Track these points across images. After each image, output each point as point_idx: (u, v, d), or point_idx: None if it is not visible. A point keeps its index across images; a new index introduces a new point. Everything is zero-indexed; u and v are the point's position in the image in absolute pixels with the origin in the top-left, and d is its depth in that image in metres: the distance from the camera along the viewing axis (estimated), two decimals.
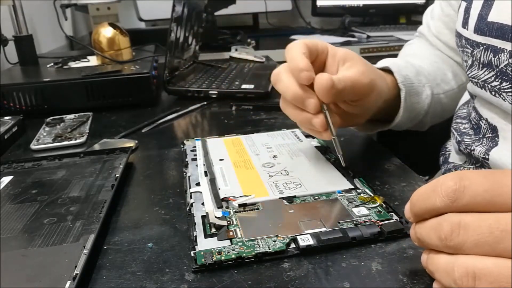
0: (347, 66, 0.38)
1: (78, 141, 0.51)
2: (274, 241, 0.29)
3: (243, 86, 0.71)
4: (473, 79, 0.42)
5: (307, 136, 0.48)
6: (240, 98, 0.68)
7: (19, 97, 0.62)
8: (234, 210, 0.33)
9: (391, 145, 0.56)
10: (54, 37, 1.11)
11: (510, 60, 0.36)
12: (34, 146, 0.51)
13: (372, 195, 0.35)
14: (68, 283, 0.25)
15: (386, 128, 0.48)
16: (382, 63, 0.48)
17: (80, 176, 0.40)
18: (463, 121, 0.48)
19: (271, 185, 0.37)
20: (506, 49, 0.37)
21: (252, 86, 0.71)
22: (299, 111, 0.37)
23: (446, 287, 0.22)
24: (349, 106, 0.39)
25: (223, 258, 0.27)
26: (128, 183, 0.41)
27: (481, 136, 0.43)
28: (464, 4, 0.43)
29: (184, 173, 0.41)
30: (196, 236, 0.30)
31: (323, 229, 0.30)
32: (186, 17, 0.76)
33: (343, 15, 1.50)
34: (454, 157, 0.51)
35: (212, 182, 0.38)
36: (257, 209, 0.33)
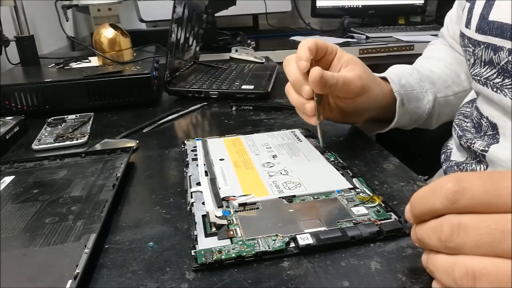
0: (347, 68, 0.44)
1: (79, 141, 0.52)
2: (274, 240, 0.29)
3: (243, 87, 0.71)
4: (476, 77, 0.43)
5: (307, 136, 0.49)
6: (240, 99, 0.68)
7: (21, 98, 0.62)
8: (234, 210, 0.33)
9: (390, 145, 0.56)
10: (56, 37, 1.11)
11: (509, 57, 0.37)
12: (35, 146, 0.51)
13: (371, 194, 0.35)
14: (69, 282, 0.25)
15: (384, 130, 0.51)
16: (387, 71, 0.52)
17: (82, 176, 0.41)
18: (466, 120, 0.49)
19: (271, 185, 0.37)
20: (506, 47, 0.38)
21: (252, 87, 0.71)
22: (297, 95, 0.43)
23: (446, 287, 0.22)
24: (341, 102, 0.45)
25: (223, 257, 0.28)
26: (129, 183, 0.41)
27: (482, 133, 0.44)
28: (468, 5, 0.44)
29: (185, 173, 0.41)
30: (196, 235, 0.30)
31: (323, 229, 0.30)
32: (187, 18, 0.76)
33: (342, 16, 1.50)
34: (456, 155, 0.51)
35: (213, 181, 0.38)
36: (257, 208, 0.34)
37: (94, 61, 0.79)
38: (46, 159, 0.45)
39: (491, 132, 0.42)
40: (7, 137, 0.51)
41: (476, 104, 0.45)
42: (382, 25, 1.58)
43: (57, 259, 0.28)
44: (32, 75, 0.72)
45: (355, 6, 1.59)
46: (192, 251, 0.28)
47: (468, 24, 0.43)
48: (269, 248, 0.28)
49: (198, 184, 0.38)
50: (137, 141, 0.51)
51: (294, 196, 0.35)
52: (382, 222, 0.31)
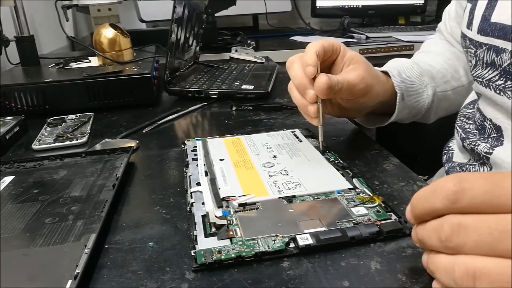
0: (350, 68, 0.44)
1: (79, 141, 0.52)
2: (274, 241, 0.29)
3: (243, 87, 0.71)
4: (478, 79, 0.43)
5: (307, 136, 0.49)
6: (240, 99, 0.68)
7: (21, 98, 0.62)
8: (234, 210, 0.33)
9: (390, 145, 0.56)
10: (56, 37, 1.11)
11: (511, 59, 0.37)
12: (35, 146, 0.51)
13: (371, 194, 0.35)
14: (69, 282, 0.25)
15: (384, 124, 0.51)
16: (387, 65, 0.52)
17: (81, 176, 0.41)
18: (468, 121, 0.49)
19: (270, 185, 0.37)
20: (508, 49, 0.37)
21: (252, 87, 0.71)
22: (300, 97, 0.43)
23: (446, 287, 0.22)
24: (344, 102, 0.45)
25: (223, 257, 0.28)
26: (129, 183, 0.41)
27: (486, 136, 0.44)
28: (469, 5, 0.44)
29: (185, 173, 0.41)
30: (196, 235, 0.30)
31: (322, 229, 0.30)
32: (187, 18, 0.76)
33: (342, 16, 1.50)
34: (458, 156, 0.51)
35: (213, 181, 0.38)
36: (257, 208, 0.34)
37: (94, 61, 0.79)
38: (46, 159, 0.45)
39: (495, 135, 0.42)
40: (7, 137, 0.51)
41: (478, 105, 0.45)
42: (382, 25, 1.58)
43: (57, 259, 0.28)
44: (32, 75, 0.72)
45: (355, 6, 1.59)
46: (192, 251, 0.28)
47: (469, 25, 0.43)
48: (268, 249, 0.28)
49: (198, 184, 0.38)
50: (137, 141, 0.51)
51: (294, 196, 0.35)
52: (382, 222, 0.31)
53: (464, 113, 0.51)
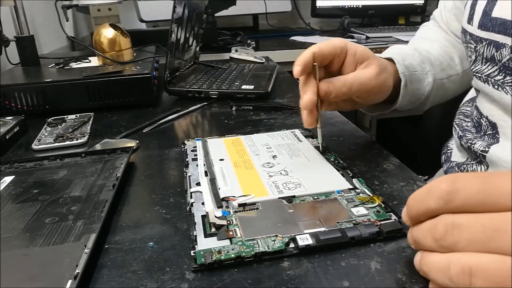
0: (363, 65, 0.43)
1: (79, 141, 0.52)
2: (274, 241, 0.29)
3: (243, 87, 0.71)
4: (477, 74, 0.43)
5: (307, 136, 0.49)
6: (240, 99, 0.68)
7: (21, 98, 0.62)
8: (234, 210, 0.33)
9: (390, 145, 0.56)
10: (56, 38, 1.11)
11: (511, 54, 0.37)
12: (35, 146, 0.51)
13: (371, 195, 0.35)
14: (69, 282, 0.25)
15: (387, 111, 0.51)
16: (389, 51, 0.52)
17: (81, 176, 0.41)
18: (466, 119, 0.49)
19: (270, 185, 0.37)
20: (508, 44, 0.37)
21: (252, 87, 0.71)
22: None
23: (442, 287, 0.22)
24: (358, 98, 0.45)
25: (222, 257, 0.28)
26: (129, 183, 0.41)
27: (482, 133, 0.44)
28: (470, 0, 0.44)
29: (185, 173, 0.41)
30: (196, 235, 0.30)
31: (322, 229, 0.30)
32: (187, 18, 0.76)
33: (342, 16, 1.50)
34: (456, 155, 0.51)
35: (212, 182, 0.38)
36: (257, 209, 0.34)
37: (94, 61, 0.79)
38: (46, 159, 0.45)
39: (490, 132, 0.42)
40: (7, 137, 0.51)
41: (476, 103, 0.45)
42: (382, 25, 1.58)
43: (57, 259, 0.28)
44: (32, 75, 0.72)
45: (355, 6, 1.59)
46: (192, 251, 0.28)
47: (470, 20, 0.43)
48: (268, 249, 0.28)
49: (198, 184, 0.38)
50: (137, 141, 0.51)
51: (294, 196, 0.35)
52: (382, 222, 0.31)
53: (463, 111, 0.51)
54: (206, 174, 0.40)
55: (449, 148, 0.55)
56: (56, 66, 0.76)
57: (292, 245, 0.29)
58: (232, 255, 0.28)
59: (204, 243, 0.29)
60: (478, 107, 0.44)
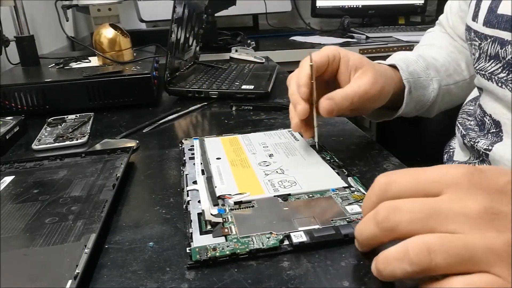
0: (358, 74, 0.42)
1: (79, 141, 0.52)
2: (268, 238, 0.29)
3: (243, 87, 0.71)
4: (481, 72, 0.43)
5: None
6: (240, 99, 0.68)
7: (21, 98, 0.62)
8: (229, 208, 0.34)
9: (390, 145, 0.56)
10: (56, 37, 1.11)
11: None
12: (35, 146, 0.51)
13: (365, 193, 0.35)
14: (69, 282, 0.25)
15: (391, 118, 0.51)
16: (393, 58, 0.52)
17: (82, 176, 0.41)
18: (469, 118, 0.49)
19: (266, 184, 0.37)
20: None
21: (252, 87, 0.71)
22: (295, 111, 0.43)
23: (400, 277, 0.22)
24: (356, 106, 0.43)
25: (217, 254, 0.28)
26: (129, 183, 0.41)
27: (485, 132, 0.44)
28: None
29: (182, 172, 0.41)
30: (191, 233, 0.30)
31: (316, 226, 0.30)
32: (187, 18, 0.76)
33: (342, 16, 1.50)
34: (459, 154, 0.51)
35: (209, 180, 0.38)
36: (252, 206, 0.34)
37: (94, 61, 0.79)
38: (46, 159, 0.45)
39: (494, 130, 0.42)
40: (7, 137, 0.51)
41: (479, 101, 0.45)
42: (382, 25, 1.58)
43: (57, 259, 0.28)
44: (32, 75, 0.72)
45: (355, 6, 1.59)
46: (187, 248, 0.29)
47: (475, 17, 0.43)
48: (263, 246, 0.29)
49: (195, 182, 0.38)
50: (137, 141, 0.51)
51: (289, 194, 0.35)
52: None
53: (466, 110, 0.51)
54: (203, 173, 0.40)
55: (451, 147, 0.55)
56: (56, 66, 0.76)
57: (286, 242, 0.29)
58: (227, 252, 0.28)
59: (200, 241, 0.30)
60: (482, 106, 0.44)
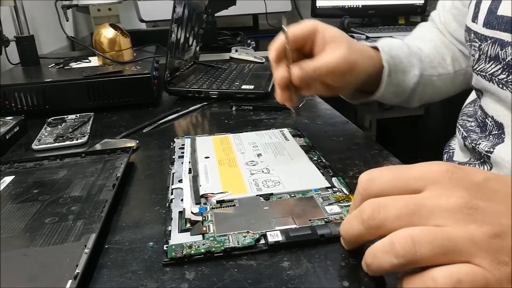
0: (331, 47, 0.42)
1: (79, 141, 0.52)
2: (245, 237, 0.30)
3: (243, 87, 0.71)
4: (481, 73, 0.43)
5: (294, 135, 0.49)
6: (240, 99, 0.68)
7: (21, 98, 0.62)
8: (211, 207, 0.34)
9: (390, 145, 0.56)
10: (56, 38, 1.11)
11: None
12: (35, 146, 0.51)
13: (347, 193, 0.35)
14: (69, 282, 0.25)
15: (370, 99, 0.51)
16: (379, 41, 0.52)
17: (82, 176, 0.41)
18: (470, 119, 0.49)
19: (251, 183, 0.38)
20: None
21: (252, 87, 0.71)
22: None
23: (387, 269, 0.23)
24: (330, 81, 0.44)
25: (192, 252, 0.28)
26: (129, 183, 0.41)
27: (487, 133, 0.43)
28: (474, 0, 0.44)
29: (169, 170, 0.41)
30: (170, 230, 0.31)
31: (293, 226, 0.31)
32: (187, 18, 0.76)
33: (342, 16, 1.50)
34: (459, 155, 0.51)
35: (195, 179, 0.39)
36: (234, 205, 0.34)
37: (94, 61, 0.79)
38: (46, 159, 0.45)
39: (496, 132, 0.42)
40: (7, 137, 0.51)
41: (480, 103, 0.45)
42: (382, 25, 1.57)
43: (57, 259, 0.28)
44: (32, 75, 0.72)
45: (355, 6, 1.59)
46: (164, 246, 0.29)
47: (475, 18, 0.42)
48: (238, 244, 0.29)
49: (180, 181, 0.39)
50: (137, 141, 0.51)
51: (271, 194, 0.36)
52: None
53: (466, 112, 0.51)
54: (190, 172, 0.40)
55: (451, 148, 0.54)
56: (56, 66, 0.76)
57: (262, 241, 0.29)
58: (202, 250, 0.28)
59: (177, 238, 0.30)
60: (483, 107, 0.44)
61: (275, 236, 0.29)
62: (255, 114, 0.61)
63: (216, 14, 1.23)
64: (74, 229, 0.31)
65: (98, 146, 0.50)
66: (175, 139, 0.49)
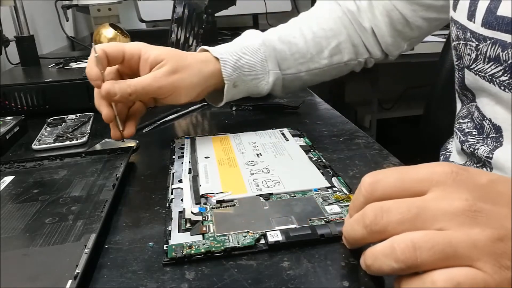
0: (154, 69, 0.45)
1: (79, 141, 0.52)
2: (245, 237, 0.30)
3: None
4: (479, 73, 0.41)
5: (294, 135, 0.49)
6: (240, 99, 0.68)
7: (21, 98, 0.62)
8: (211, 207, 0.34)
9: (390, 144, 0.56)
10: (55, 37, 1.11)
11: None
12: (35, 146, 0.51)
13: (347, 193, 0.35)
14: (69, 282, 0.25)
15: (218, 105, 0.53)
16: (232, 45, 0.52)
17: (81, 176, 0.41)
18: (465, 120, 0.48)
19: (250, 183, 0.38)
20: None
21: None
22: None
23: (387, 272, 0.23)
24: (152, 99, 0.48)
25: (192, 252, 0.28)
26: (129, 183, 0.41)
27: (484, 136, 0.43)
28: None
29: (169, 170, 0.41)
30: (170, 230, 0.31)
31: (293, 226, 0.31)
32: (187, 18, 0.76)
33: None
34: (455, 157, 0.51)
35: (194, 179, 0.39)
36: (234, 205, 0.34)
37: None
38: (46, 159, 0.45)
39: (494, 135, 0.41)
40: (7, 137, 0.51)
41: (476, 103, 0.44)
42: None
43: (57, 259, 0.28)
44: (32, 75, 0.72)
45: None
46: (164, 246, 0.29)
47: (471, 17, 0.41)
48: (238, 244, 0.29)
49: (180, 181, 0.39)
50: (137, 141, 0.51)
51: (271, 194, 0.36)
52: None
53: (461, 115, 0.50)
54: (189, 172, 0.40)
55: (448, 150, 0.54)
56: (56, 66, 0.76)
57: (262, 241, 0.29)
58: (202, 250, 0.28)
59: (177, 238, 0.30)
60: (480, 108, 0.43)
61: (275, 236, 0.29)
62: (255, 114, 0.61)
63: (216, 14, 1.23)
64: (74, 229, 0.31)
65: (98, 146, 0.50)
66: (175, 139, 0.49)
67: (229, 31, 1.36)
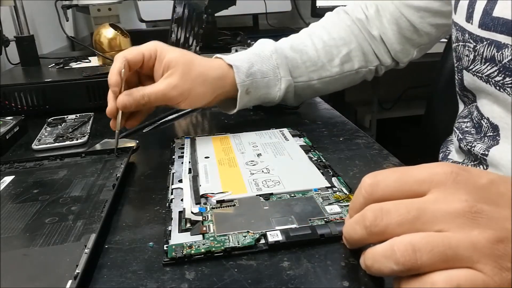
0: (166, 75, 0.46)
1: (79, 141, 0.52)
2: (245, 237, 0.30)
3: None
4: (477, 74, 0.42)
5: (294, 135, 0.49)
6: None
7: (21, 98, 0.62)
8: (211, 207, 0.34)
9: (390, 145, 0.56)
10: (55, 37, 1.11)
11: None
12: (35, 146, 0.51)
13: (347, 193, 0.35)
14: (69, 282, 0.25)
15: (230, 113, 0.53)
16: (240, 56, 0.52)
17: (81, 176, 0.41)
18: (465, 120, 0.48)
19: (250, 183, 0.38)
20: (510, 45, 0.37)
21: None
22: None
23: (386, 274, 0.23)
24: (172, 105, 0.47)
25: (192, 252, 0.28)
26: (129, 183, 0.41)
27: (482, 135, 0.43)
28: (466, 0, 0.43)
29: (169, 170, 0.41)
30: (170, 230, 0.31)
31: (293, 226, 0.31)
32: (187, 18, 0.76)
33: None
34: (454, 155, 0.51)
35: (195, 179, 0.39)
36: (234, 205, 0.34)
37: (94, 61, 0.80)
38: (46, 159, 0.45)
39: (491, 134, 0.42)
40: (7, 137, 0.51)
41: (476, 103, 0.45)
42: None
43: (57, 259, 0.28)
44: (32, 75, 0.72)
45: None
46: (165, 246, 0.29)
47: (469, 19, 0.42)
48: (238, 244, 0.29)
49: (180, 181, 0.39)
50: (137, 141, 0.51)
51: (271, 194, 0.36)
52: None
53: (462, 114, 0.51)
54: (189, 172, 0.40)
55: (448, 149, 0.54)
56: (56, 66, 0.76)
57: (263, 241, 0.29)
58: (202, 250, 0.28)
59: (178, 238, 0.30)
60: (479, 108, 0.44)
61: (275, 236, 0.29)
62: (255, 114, 0.61)
63: (216, 14, 1.23)
64: (74, 229, 0.31)
65: (98, 146, 0.50)
66: (175, 139, 0.49)
67: (229, 31, 1.36)
